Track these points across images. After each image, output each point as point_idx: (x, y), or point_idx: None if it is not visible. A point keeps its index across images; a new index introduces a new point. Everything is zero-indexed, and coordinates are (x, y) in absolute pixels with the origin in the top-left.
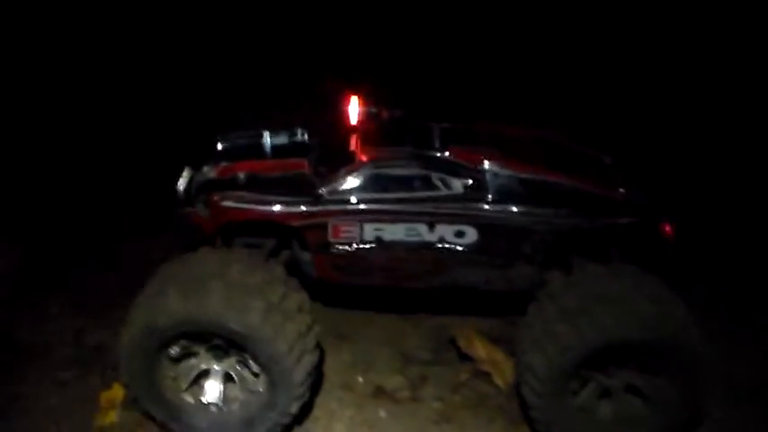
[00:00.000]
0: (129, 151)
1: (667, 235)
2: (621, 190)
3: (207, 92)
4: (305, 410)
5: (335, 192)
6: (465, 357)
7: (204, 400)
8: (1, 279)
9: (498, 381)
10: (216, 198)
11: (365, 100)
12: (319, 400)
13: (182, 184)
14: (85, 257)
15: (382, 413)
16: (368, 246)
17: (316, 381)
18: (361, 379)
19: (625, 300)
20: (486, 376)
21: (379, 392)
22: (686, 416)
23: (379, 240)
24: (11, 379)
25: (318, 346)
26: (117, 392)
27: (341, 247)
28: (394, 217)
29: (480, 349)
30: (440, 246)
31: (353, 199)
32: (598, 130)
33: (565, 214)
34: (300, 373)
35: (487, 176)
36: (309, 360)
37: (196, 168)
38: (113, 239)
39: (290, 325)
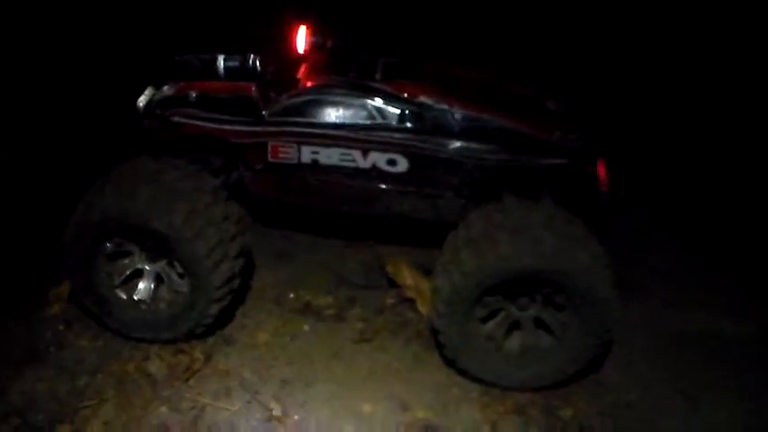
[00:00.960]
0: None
1: (600, 179)
2: (556, 133)
3: (173, 19)
4: (232, 318)
5: (277, 114)
6: (393, 284)
7: (135, 297)
8: None
9: (421, 308)
10: (167, 113)
11: (313, 30)
12: (249, 311)
13: (142, 100)
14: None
15: (306, 327)
16: (304, 167)
17: (248, 293)
18: (292, 295)
19: (529, 230)
20: (410, 303)
21: (307, 309)
22: (588, 354)
23: (314, 163)
24: None
25: (243, 255)
26: (64, 289)
27: (278, 167)
28: (330, 141)
29: (408, 277)
30: (372, 172)
31: (293, 122)
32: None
33: (493, 151)
34: (219, 277)
35: (422, 109)
36: (229, 266)
37: (157, 87)
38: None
39: (211, 230)
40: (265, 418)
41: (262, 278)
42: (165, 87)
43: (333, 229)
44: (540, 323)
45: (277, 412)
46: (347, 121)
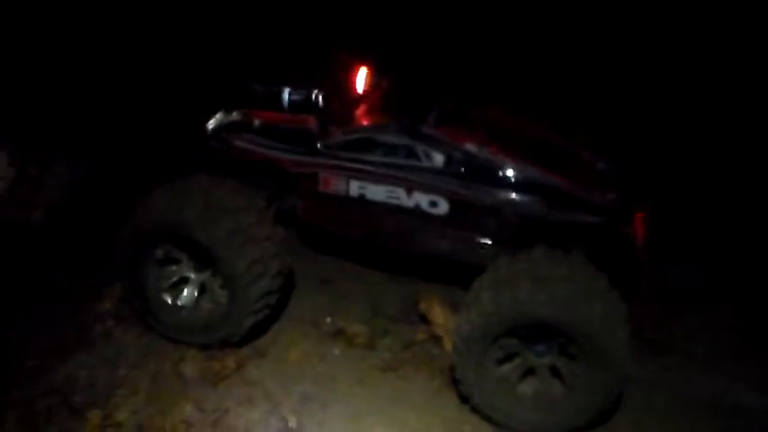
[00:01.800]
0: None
1: (636, 238)
2: (596, 192)
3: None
4: (268, 333)
5: (331, 148)
6: (425, 320)
7: (178, 302)
8: (64, 189)
9: (447, 345)
10: (232, 138)
11: (373, 71)
12: (285, 329)
13: (212, 122)
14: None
15: (336, 351)
16: (351, 200)
17: (287, 312)
18: (328, 320)
19: (548, 280)
20: (438, 340)
21: (340, 334)
22: (596, 407)
23: (361, 197)
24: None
25: (281, 274)
26: (118, 288)
27: (327, 198)
28: (377, 178)
29: (439, 315)
30: (414, 212)
31: (344, 156)
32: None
33: (531, 203)
34: (255, 292)
35: (467, 156)
36: (267, 283)
37: (227, 112)
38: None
39: (251, 247)
40: (281, 428)
41: (302, 301)
42: (234, 113)
43: (378, 261)
44: (555, 371)
45: (293, 424)
46: (395, 160)
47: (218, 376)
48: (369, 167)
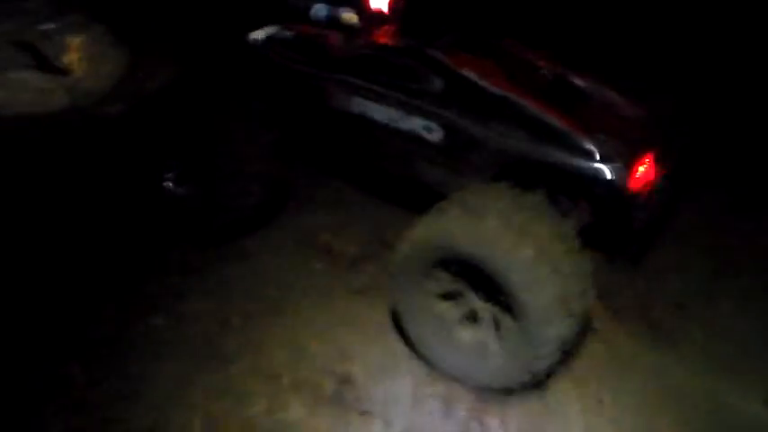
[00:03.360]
0: None
1: (630, 195)
2: (598, 136)
3: None
4: (257, 239)
5: (342, 63)
6: None
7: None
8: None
9: None
10: (269, 49)
11: None
12: (275, 237)
13: (255, 34)
14: None
15: (318, 266)
16: (352, 117)
17: (285, 223)
18: (323, 237)
19: (484, 213)
20: None
21: (328, 251)
22: (525, 368)
23: (361, 114)
24: None
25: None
26: None
27: (332, 112)
28: (377, 97)
29: None
30: (410, 135)
31: (351, 72)
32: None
33: (518, 137)
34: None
35: (465, 84)
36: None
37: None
38: None
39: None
40: (222, 325)
41: (304, 216)
42: (275, 27)
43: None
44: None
45: (235, 324)
46: (398, 81)
47: (189, 267)
48: (372, 86)
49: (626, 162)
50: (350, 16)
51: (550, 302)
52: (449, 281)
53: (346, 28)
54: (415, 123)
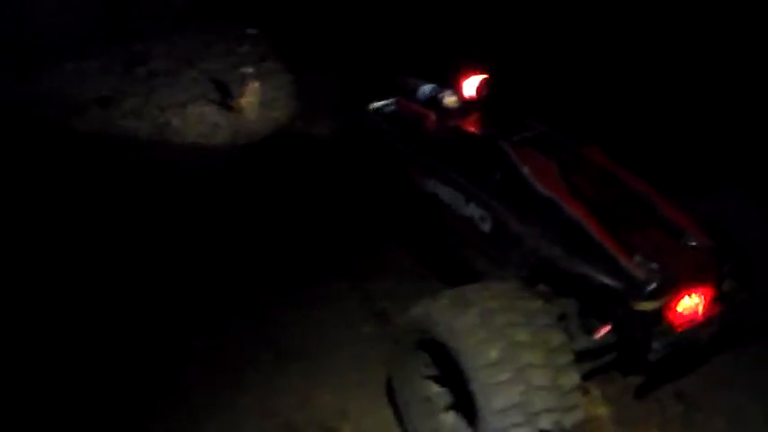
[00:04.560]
0: None
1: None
2: (637, 258)
3: None
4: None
5: (428, 144)
6: None
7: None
8: None
9: None
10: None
11: (487, 81)
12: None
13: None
14: None
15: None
16: (426, 196)
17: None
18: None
19: (470, 309)
20: None
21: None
22: None
23: (434, 195)
24: None
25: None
26: None
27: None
28: (447, 180)
29: None
30: (468, 221)
31: (432, 154)
32: None
33: (551, 240)
34: None
35: (517, 177)
36: None
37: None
38: None
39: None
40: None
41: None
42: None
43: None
44: None
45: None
46: (467, 167)
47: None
48: (446, 168)
49: (655, 289)
50: (452, 100)
51: (505, 410)
52: (431, 365)
53: (446, 111)
54: (473, 210)
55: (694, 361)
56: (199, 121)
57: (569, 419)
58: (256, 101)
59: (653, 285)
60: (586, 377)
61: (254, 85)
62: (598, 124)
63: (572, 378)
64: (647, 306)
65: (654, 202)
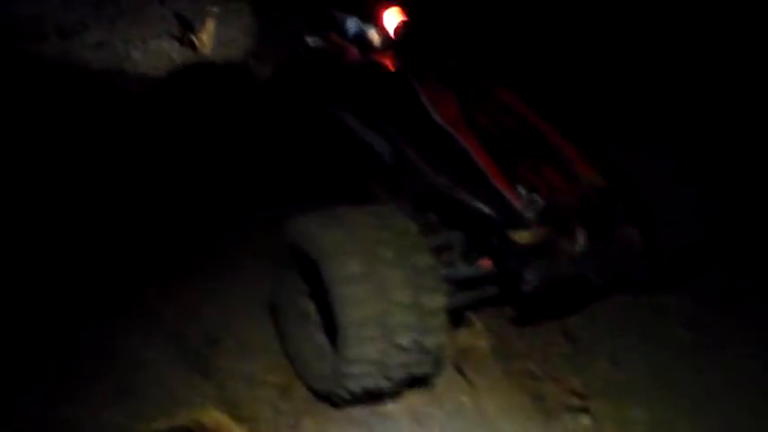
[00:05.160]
0: None
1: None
2: (522, 191)
3: None
4: None
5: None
6: None
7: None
8: None
9: None
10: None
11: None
12: None
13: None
14: None
15: None
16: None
17: None
18: None
19: (341, 227)
20: None
21: None
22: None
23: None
24: None
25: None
26: None
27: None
28: (360, 113)
29: None
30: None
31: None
32: None
33: (440, 170)
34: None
35: (420, 111)
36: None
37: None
38: None
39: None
40: None
41: None
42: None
43: None
44: None
45: None
46: (377, 100)
47: None
48: (358, 101)
49: (531, 220)
50: (375, 36)
51: (361, 322)
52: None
53: (368, 46)
54: (380, 143)
55: (576, 300)
56: (157, 56)
57: (431, 340)
58: (213, 39)
59: (529, 216)
60: (470, 308)
61: (212, 24)
62: (519, 69)
63: (436, 300)
64: (523, 237)
65: (554, 142)
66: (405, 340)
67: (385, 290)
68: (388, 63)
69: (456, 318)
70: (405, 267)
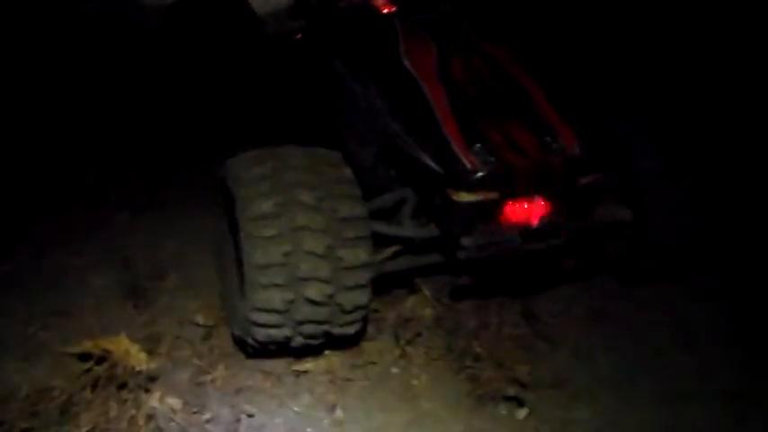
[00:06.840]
0: None
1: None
2: (477, 147)
3: None
4: None
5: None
6: None
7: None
8: None
9: None
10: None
11: None
12: None
13: None
14: None
15: None
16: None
17: None
18: None
19: (263, 165)
20: None
21: None
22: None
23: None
24: None
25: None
26: None
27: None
28: (345, 57)
29: None
30: (352, 95)
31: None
32: None
33: (397, 118)
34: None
35: (394, 59)
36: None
37: None
38: None
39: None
40: None
41: None
42: None
43: None
44: None
45: None
46: (358, 44)
47: None
48: (345, 42)
49: (478, 180)
50: None
51: (266, 266)
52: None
53: None
54: (357, 87)
55: (543, 279)
56: None
57: (348, 297)
58: None
59: (477, 176)
60: (416, 273)
61: None
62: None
63: (356, 255)
64: (465, 197)
65: (538, 107)
66: (314, 293)
67: (295, 235)
68: (382, 6)
69: (401, 282)
70: (324, 214)
